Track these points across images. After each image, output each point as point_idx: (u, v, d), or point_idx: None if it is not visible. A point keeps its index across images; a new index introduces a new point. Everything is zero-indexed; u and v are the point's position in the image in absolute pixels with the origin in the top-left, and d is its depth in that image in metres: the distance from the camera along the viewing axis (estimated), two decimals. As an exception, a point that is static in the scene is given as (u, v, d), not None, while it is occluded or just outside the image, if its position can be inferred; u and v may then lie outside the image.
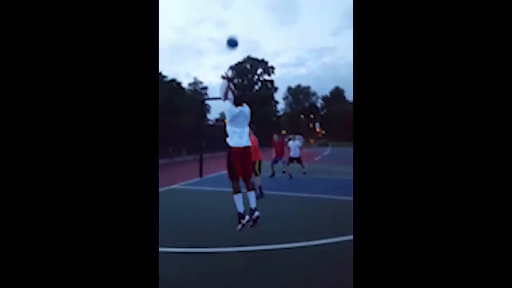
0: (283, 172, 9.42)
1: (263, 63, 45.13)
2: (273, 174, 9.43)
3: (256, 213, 3.46)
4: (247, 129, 3.54)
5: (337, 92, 65.15)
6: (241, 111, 3.48)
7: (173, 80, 39.51)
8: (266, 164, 8.21)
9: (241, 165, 3.46)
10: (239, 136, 3.45)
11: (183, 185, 7.87)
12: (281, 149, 9.41)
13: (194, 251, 3.27)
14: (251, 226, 3.47)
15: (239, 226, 3.47)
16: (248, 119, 3.56)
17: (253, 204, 3.50)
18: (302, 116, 63.61)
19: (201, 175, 9.35)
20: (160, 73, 39.39)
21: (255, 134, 5.80)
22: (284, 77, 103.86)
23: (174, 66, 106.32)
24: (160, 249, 3.27)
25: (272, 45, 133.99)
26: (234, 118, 3.44)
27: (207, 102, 39.89)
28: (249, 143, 3.51)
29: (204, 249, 3.33)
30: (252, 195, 3.53)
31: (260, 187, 6.19)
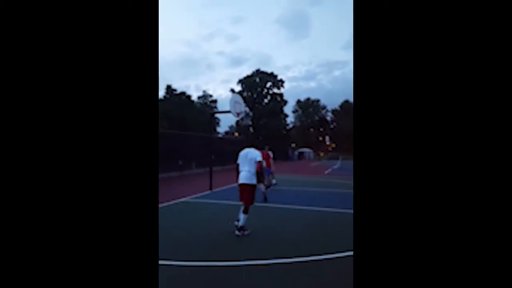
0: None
1: (272, 76, 45.40)
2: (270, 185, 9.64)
3: (236, 232, 4.46)
4: (246, 168, 4.65)
5: (347, 106, 64.89)
6: (243, 154, 4.75)
7: (183, 93, 40.03)
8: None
9: (241, 195, 4.67)
10: (241, 174, 4.68)
11: (193, 198, 7.91)
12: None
13: (203, 265, 3.29)
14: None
15: (238, 233, 4.44)
16: (248, 160, 4.66)
17: (240, 223, 4.48)
18: (312, 130, 63.47)
19: (211, 188, 9.38)
20: (170, 87, 40.03)
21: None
22: (294, 91, 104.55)
23: (185, 80, 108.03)
24: (169, 262, 3.30)
25: (282, 59, 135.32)
26: (239, 161, 4.76)
27: (217, 115, 40.23)
28: (242, 181, 4.61)
29: (212, 262, 3.34)
30: (240, 215, 4.52)
31: (264, 193, 7.51)
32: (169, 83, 54.69)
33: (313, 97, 72.27)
